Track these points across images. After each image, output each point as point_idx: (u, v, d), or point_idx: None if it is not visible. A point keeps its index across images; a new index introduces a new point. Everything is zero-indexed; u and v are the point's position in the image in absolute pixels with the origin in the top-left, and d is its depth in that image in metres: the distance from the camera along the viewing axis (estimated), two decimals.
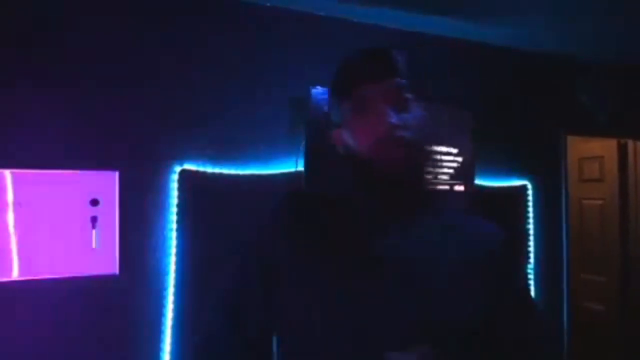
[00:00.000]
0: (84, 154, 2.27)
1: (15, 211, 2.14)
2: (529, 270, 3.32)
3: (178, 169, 2.44)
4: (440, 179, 2.91)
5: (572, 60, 3.52)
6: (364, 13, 2.77)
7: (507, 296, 0.90)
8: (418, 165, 0.90)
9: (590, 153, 4.09)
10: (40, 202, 2.18)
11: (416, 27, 2.98)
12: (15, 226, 2.14)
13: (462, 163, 2.97)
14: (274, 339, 0.95)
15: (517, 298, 0.94)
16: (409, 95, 0.87)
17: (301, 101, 2.48)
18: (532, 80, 3.41)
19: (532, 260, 3.33)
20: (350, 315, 0.82)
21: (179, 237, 2.42)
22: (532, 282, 3.31)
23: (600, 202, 4.03)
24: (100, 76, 2.32)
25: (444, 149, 2.92)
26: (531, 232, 3.35)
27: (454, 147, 2.94)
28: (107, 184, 2.30)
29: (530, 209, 3.36)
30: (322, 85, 2.38)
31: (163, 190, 2.42)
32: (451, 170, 2.93)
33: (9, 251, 2.13)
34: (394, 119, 0.84)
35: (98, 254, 2.27)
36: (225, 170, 2.52)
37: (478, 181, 3.06)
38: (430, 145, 2.81)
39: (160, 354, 2.37)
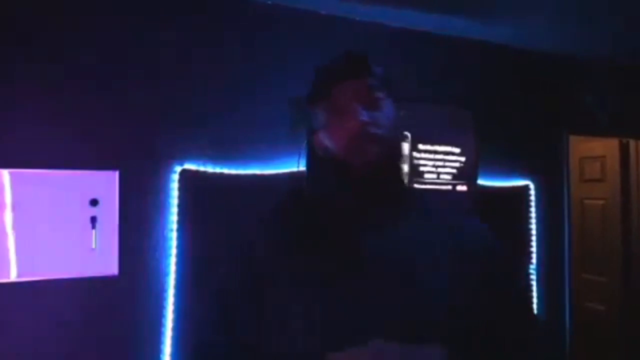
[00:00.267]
0: (84, 154, 2.26)
1: (13, 211, 2.13)
2: (531, 270, 3.30)
3: (178, 168, 2.43)
4: (443, 179, 2.90)
5: (573, 59, 3.51)
6: (365, 11, 2.76)
7: (499, 293, 0.91)
8: (392, 162, 0.92)
9: (592, 153, 4.08)
10: (39, 203, 2.16)
11: (418, 25, 2.97)
12: (14, 227, 2.13)
13: (464, 163, 2.96)
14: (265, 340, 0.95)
15: (509, 294, 0.94)
16: (380, 95, 0.90)
17: (302, 101, 2.46)
18: (533, 79, 3.39)
19: (534, 260, 3.32)
20: (334, 315, 0.83)
21: (179, 238, 2.41)
22: (534, 282, 3.30)
23: (601, 202, 4.01)
24: (100, 76, 2.31)
25: (446, 148, 2.91)
26: (533, 232, 3.33)
27: (457, 146, 2.93)
28: (107, 184, 2.28)
29: (533, 210, 3.34)
30: None
31: (163, 190, 2.41)
32: (454, 170, 2.92)
33: (7, 252, 2.11)
34: (365, 116, 0.87)
35: (98, 254, 2.26)
36: (226, 170, 2.51)
37: (480, 181, 3.05)
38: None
39: (161, 356, 2.35)
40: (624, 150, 3.91)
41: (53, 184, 2.19)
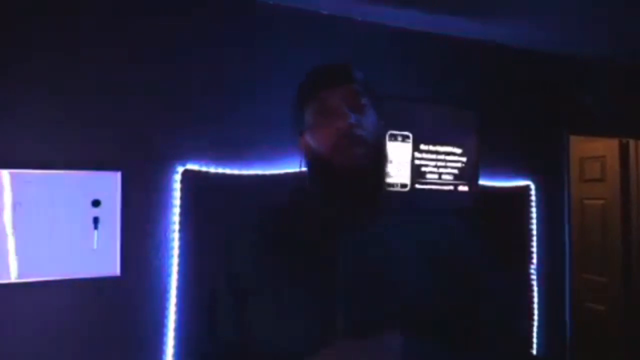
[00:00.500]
0: (86, 155, 2.25)
1: (14, 212, 2.12)
2: (532, 270, 3.31)
3: (180, 169, 2.42)
4: (445, 179, 2.90)
5: (573, 59, 3.52)
6: (366, 12, 2.76)
7: (462, 290, 0.92)
8: (375, 165, 0.95)
9: (592, 153, 4.08)
10: (41, 203, 2.15)
11: (418, 25, 2.97)
12: (15, 227, 2.12)
13: (466, 163, 2.96)
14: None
15: (472, 291, 0.95)
16: (365, 101, 0.95)
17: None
18: (533, 79, 3.40)
19: (535, 260, 3.32)
20: (302, 315, 0.87)
21: (181, 238, 2.40)
22: (535, 282, 3.30)
23: (601, 202, 4.02)
24: (102, 76, 2.30)
25: (448, 149, 2.91)
26: (534, 232, 3.33)
27: (458, 147, 2.94)
28: (109, 185, 2.27)
29: (534, 210, 3.35)
30: None
31: (165, 190, 2.40)
32: (455, 171, 2.92)
33: (7, 252, 2.10)
34: (353, 118, 0.91)
35: (99, 255, 2.25)
36: (228, 170, 2.50)
37: (481, 181, 3.05)
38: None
39: (163, 356, 2.34)
40: (624, 150, 3.92)
41: (55, 185, 2.18)
